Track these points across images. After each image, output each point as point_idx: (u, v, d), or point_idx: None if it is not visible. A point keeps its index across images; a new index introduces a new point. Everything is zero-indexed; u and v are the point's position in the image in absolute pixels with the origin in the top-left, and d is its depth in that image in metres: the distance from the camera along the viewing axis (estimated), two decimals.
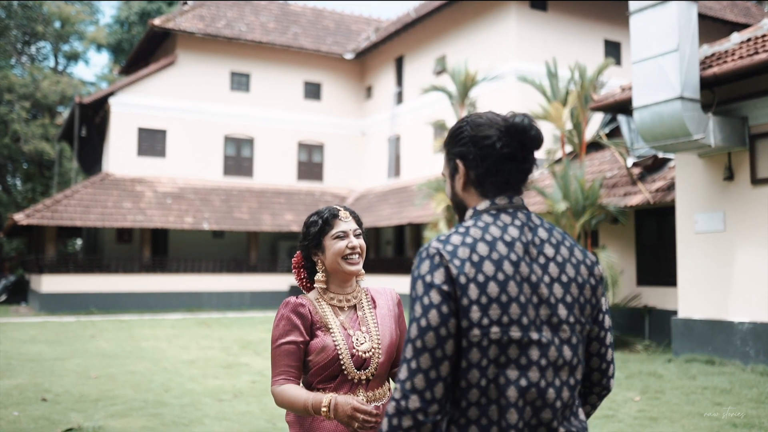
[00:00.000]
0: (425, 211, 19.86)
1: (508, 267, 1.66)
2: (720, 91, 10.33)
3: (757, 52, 9.66)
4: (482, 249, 1.66)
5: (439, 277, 1.64)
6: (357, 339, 2.43)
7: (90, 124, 27.20)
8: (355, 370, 2.38)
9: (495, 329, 1.62)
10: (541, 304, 1.68)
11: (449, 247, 1.67)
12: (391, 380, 2.55)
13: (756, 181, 10.08)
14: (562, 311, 1.71)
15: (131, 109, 24.61)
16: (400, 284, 17.50)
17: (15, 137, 34.11)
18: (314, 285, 2.54)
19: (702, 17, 20.10)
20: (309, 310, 2.42)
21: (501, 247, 1.68)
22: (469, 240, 1.68)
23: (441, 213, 16.30)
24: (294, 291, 24.02)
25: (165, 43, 27.04)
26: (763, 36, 10.23)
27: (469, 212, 1.81)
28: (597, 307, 1.81)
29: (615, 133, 16.11)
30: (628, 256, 13.86)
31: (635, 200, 12.81)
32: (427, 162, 23.05)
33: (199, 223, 23.00)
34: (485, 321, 1.63)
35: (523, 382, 1.64)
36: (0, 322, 17.81)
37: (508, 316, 1.64)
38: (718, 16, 21.92)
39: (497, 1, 20.76)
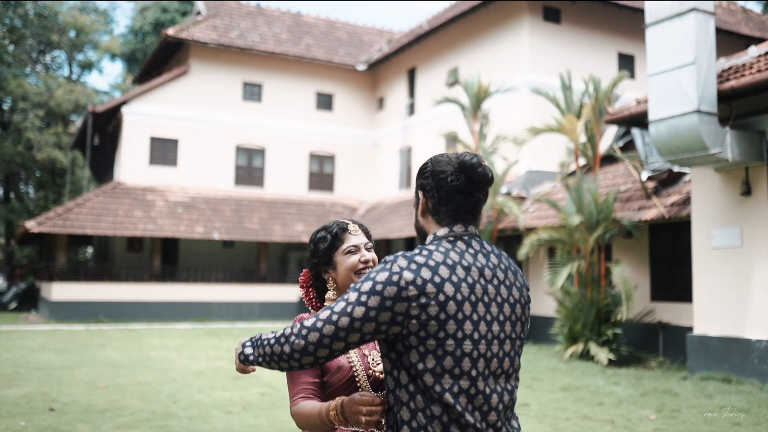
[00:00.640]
0: None
1: (465, 289, 1.94)
2: (737, 105, 10.20)
3: None
4: (444, 272, 1.93)
5: (389, 291, 1.91)
6: (373, 359, 2.36)
7: (102, 132, 27.28)
8: (372, 391, 2.30)
9: (450, 342, 1.90)
10: (492, 321, 1.97)
11: (413, 266, 1.93)
12: None
13: None
14: (508, 328, 2.01)
15: (144, 118, 24.66)
16: None
17: (28, 145, 34.26)
18: (324, 304, 2.46)
19: (717, 31, 19.96)
20: None
21: (459, 271, 1.95)
22: (431, 263, 1.94)
23: None
24: (303, 303, 23.87)
25: (178, 52, 27.12)
26: None
27: (430, 237, 2.07)
28: (527, 324, 2.12)
29: (629, 146, 15.98)
30: (641, 270, 13.70)
31: (650, 214, 12.67)
32: None
33: (209, 233, 22.97)
34: (441, 334, 1.90)
35: (472, 390, 1.92)
36: (10, 330, 17.79)
37: (462, 332, 1.91)
38: (733, 29, 21.78)
39: (510, 13, 20.70)
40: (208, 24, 26.07)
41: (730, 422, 7.49)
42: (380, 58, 26.82)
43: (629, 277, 12.89)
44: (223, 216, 24.02)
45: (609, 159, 16.23)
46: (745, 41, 22.11)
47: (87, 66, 42.00)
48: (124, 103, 24.69)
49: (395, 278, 1.92)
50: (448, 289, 1.91)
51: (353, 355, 2.34)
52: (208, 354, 13.36)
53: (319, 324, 1.95)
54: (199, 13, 28.17)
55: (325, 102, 27.86)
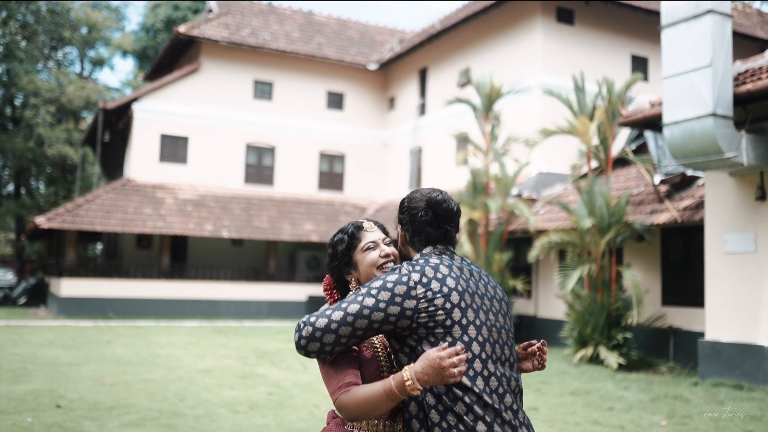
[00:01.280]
0: None
1: (462, 283, 2.23)
2: (753, 109, 10.08)
3: None
4: (444, 270, 2.23)
5: (399, 289, 2.15)
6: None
7: (113, 129, 27.31)
8: None
9: (456, 328, 2.15)
10: (488, 311, 2.26)
11: (417, 268, 2.22)
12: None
13: None
14: (501, 319, 2.31)
15: (154, 115, 24.66)
16: None
17: (39, 141, 34.36)
18: None
19: (732, 33, 19.79)
20: None
21: (455, 270, 2.26)
22: (432, 264, 2.24)
23: (463, 226, 16.10)
24: (312, 302, 23.89)
25: (189, 50, 27.12)
26: None
27: (417, 255, 2.36)
28: (511, 319, 2.39)
29: (641, 149, 15.86)
30: (653, 275, 13.58)
31: (662, 218, 12.56)
32: (449, 175, 22.87)
33: (218, 231, 22.96)
34: (448, 322, 2.15)
35: (485, 372, 2.17)
36: (19, 325, 17.82)
37: (467, 319, 2.18)
38: (748, 33, 21.61)
39: (523, 14, 20.59)
40: (219, 22, 26.06)
41: (742, 430, 7.38)
42: (392, 58, 26.74)
43: (640, 281, 12.78)
44: (233, 214, 24.00)
45: (621, 162, 16.12)
46: (761, 45, 21.93)
47: (98, 63, 42.09)
48: (134, 100, 24.70)
49: (405, 279, 2.17)
50: (450, 282, 2.19)
51: (380, 350, 2.35)
52: (216, 352, 13.33)
53: (329, 311, 2.15)
54: (210, 10, 28.17)
55: (335, 101, 27.81)
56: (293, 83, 26.94)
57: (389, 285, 2.15)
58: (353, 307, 2.12)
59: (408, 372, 2.04)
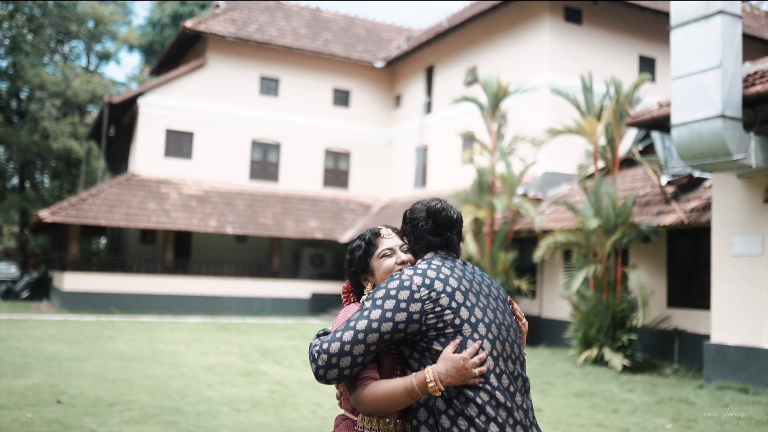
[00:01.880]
0: None
1: (465, 283, 2.28)
2: (762, 111, 9.99)
3: None
4: (445, 271, 2.28)
5: (402, 295, 2.18)
6: None
7: (118, 123, 27.28)
8: None
9: (465, 326, 2.19)
10: (495, 310, 2.30)
11: (419, 271, 2.26)
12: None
13: None
14: (508, 318, 2.34)
15: (160, 110, 24.62)
16: None
17: (44, 134, 34.39)
18: None
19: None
20: None
21: (457, 272, 2.31)
22: (434, 267, 2.29)
23: (468, 226, 16.03)
24: (315, 299, 23.85)
25: (196, 45, 27.07)
26: None
27: (420, 260, 2.39)
28: (512, 317, 2.41)
29: (648, 150, 15.77)
30: (658, 276, 13.50)
31: (668, 220, 12.47)
32: (455, 173, 22.79)
33: (222, 227, 22.92)
34: (457, 321, 2.19)
35: (497, 370, 2.19)
36: (21, 319, 17.81)
37: (474, 316, 2.21)
38: (756, 34, 21.48)
39: (531, 13, 20.50)
40: (226, 17, 26.00)
41: None
42: (398, 56, 26.67)
43: (646, 282, 12.70)
44: (237, 210, 23.96)
45: (628, 162, 16.03)
46: None
47: (105, 57, 42.12)
48: (140, 94, 24.66)
49: (406, 284, 2.21)
50: (453, 283, 2.24)
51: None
52: (219, 349, 13.29)
53: (339, 333, 2.16)
54: (217, 6, 28.10)
55: (341, 98, 27.74)
56: (299, 80, 26.88)
57: (392, 292, 2.18)
58: (362, 324, 2.15)
59: (431, 373, 2.09)
